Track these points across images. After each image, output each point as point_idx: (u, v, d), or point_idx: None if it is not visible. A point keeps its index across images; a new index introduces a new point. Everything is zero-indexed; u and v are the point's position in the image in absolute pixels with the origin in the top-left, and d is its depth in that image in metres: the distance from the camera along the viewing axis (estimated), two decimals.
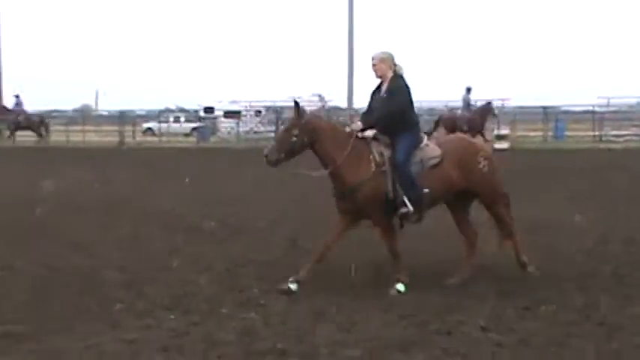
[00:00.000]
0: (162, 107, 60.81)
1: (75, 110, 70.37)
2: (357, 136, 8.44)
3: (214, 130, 46.77)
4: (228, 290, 7.96)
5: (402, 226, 8.48)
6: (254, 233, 11.37)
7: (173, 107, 60.26)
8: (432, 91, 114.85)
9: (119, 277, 8.50)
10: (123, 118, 46.07)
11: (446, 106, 42.26)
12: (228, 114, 47.40)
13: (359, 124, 8.46)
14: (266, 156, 8.19)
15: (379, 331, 6.53)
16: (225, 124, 46.46)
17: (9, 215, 12.65)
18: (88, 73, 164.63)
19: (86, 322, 6.80)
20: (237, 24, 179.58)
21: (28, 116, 37.66)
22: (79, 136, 44.98)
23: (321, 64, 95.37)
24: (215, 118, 48.28)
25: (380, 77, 8.57)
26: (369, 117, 8.55)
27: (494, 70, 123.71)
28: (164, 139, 44.61)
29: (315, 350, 6.02)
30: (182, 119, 53.07)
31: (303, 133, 8.35)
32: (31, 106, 40.07)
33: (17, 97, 38.61)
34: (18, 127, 37.31)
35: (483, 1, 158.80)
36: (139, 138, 46.25)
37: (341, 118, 45.89)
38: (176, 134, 47.76)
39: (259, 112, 48.00)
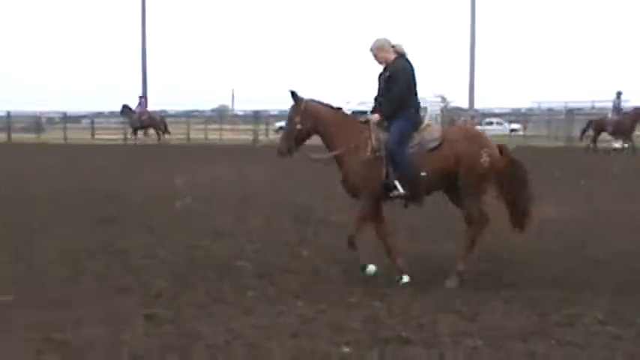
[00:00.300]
0: None
1: (213, 110, 72.17)
2: (360, 121, 8.41)
3: None
4: (355, 280, 8.01)
5: (406, 205, 8.39)
6: None
7: None
8: (578, 91, 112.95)
9: (252, 266, 8.68)
10: (257, 117, 47.02)
11: (593, 107, 41.63)
12: (357, 114, 47.63)
13: (376, 116, 8.29)
14: (278, 150, 8.34)
15: (500, 321, 6.49)
16: None
17: (153, 208, 13.11)
18: (224, 75, 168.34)
19: (222, 307, 6.98)
20: (358, 26, 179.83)
21: (151, 116, 38.78)
22: (216, 134, 46.41)
23: (443, 65, 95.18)
24: None
25: (385, 64, 8.41)
26: (377, 102, 8.42)
27: None
28: None
29: (438, 339, 6.02)
30: None
31: (305, 119, 8.37)
32: (175, 107, 41.36)
33: (140, 98, 40.14)
34: (141, 126, 38.53)
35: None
36: (272, 136, 46.86)
37: (462, 119, 45.71)
38: None
39: None
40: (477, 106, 48.96)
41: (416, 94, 8.39)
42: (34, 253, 9.10)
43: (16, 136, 45.35)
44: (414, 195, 8.24)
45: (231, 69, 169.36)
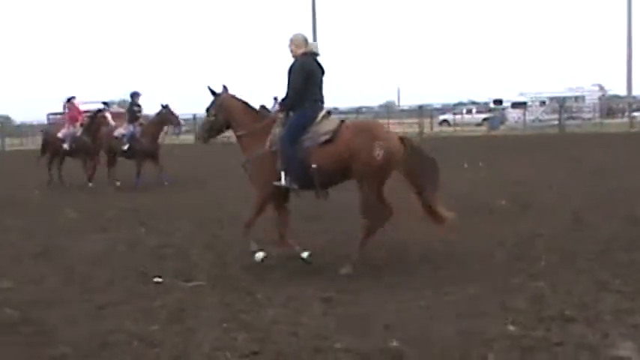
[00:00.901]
0: (455, 101, 62.21)
1: (380, 106, 72.59)
2: (271, 117, 8.34)
3: (503, 119, 47.02)
4: (519, 262, 7.90)
5: (317, 196, 8.15)
6: (541, 210, 11.24)
7: (465, 101, 61.67)
8: None
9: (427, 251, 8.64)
10: (422, 111, 47.00)
11: None
12: (516, 105, 47.16)
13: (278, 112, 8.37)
14: (196, 136, 8.61)
15: None
16: (513, 114, 46.61)
17: None
18: (390, 74, 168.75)
19: (393, 290, 7.03)
20: (524, 19, 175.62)
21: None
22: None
23: (601, 54, 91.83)
24: (504, 109, 48.63)
25: (294, 59, 8.25)
26: None
27: None
28: (458, 128, 45.05)
29: (600, 317, 5.85)
30: (474, 111, 54.48)
31: (218, 112, 8.65)
32: (345, 104, 42.06)
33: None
34: None
35: None
36: (436, 129, 46.87)
37: (620, 106, 43.95)
38: (468, 124, 48.53)
39: (543, 102, 47.26)
40: (635, 92, 47.17)
41: (316, 90, 8.19)
42: (224, 245, 9.46)
43: None
44: (307, 188, 8.07)
45: (396, 67, 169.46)
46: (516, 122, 45.10)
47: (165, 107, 18.17)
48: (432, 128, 45.67)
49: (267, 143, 8.19)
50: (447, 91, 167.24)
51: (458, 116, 52.55)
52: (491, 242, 9.01)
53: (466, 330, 5.70)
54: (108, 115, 18.93)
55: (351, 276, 7.60)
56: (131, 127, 17.80)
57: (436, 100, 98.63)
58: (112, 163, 18.32)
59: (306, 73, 8.13)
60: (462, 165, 18.91)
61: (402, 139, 8.15)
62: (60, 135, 18.92)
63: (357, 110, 54.04)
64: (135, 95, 18.74)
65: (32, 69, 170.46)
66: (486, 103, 54.73)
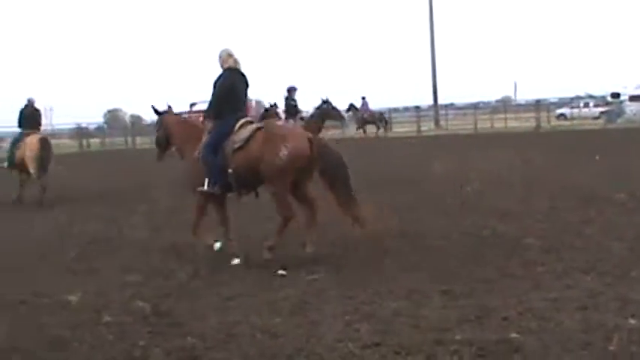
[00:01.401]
0: (573, 95, 61.02)
1: (497, 101, 71.94)
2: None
3: (621, 113, 45.60)
4: (638, 255, 7.59)
5: (256, 195, 8.81)
6: None
7: (583, 94, 60.61)
8: None
9: (539, 243, 8.45)
10: (538, 105, 46.35)
11: None
12: (634, 98, 45.62)
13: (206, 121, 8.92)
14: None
15: None
16: (631, 107, 45.03)
17: (444, 192, 13.12)
18: (507, 67, 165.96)
19: (512, 282, 6.86)
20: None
21: (372, 113, 42.46)
22: (501, 122, 46.60)
23: None
24: (621, 102, 47.26)
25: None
26: None
27: None
28: (575, 122, 44.10)
29: None
30: (591, 104, 53.47)
31: (160, 128, 9.53)
32: (463, 99, 42.27)
33: (363, 98, 42.93)
34: (364, 122, 41.80)
35: None
36: (553, 122, 45.94)
37: None
38: (586, 118, 47.59)
39: None
40: None
41: (237, 101, 8.68)
42: (344, 237, 9.39)
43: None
44: (228, 190, 8.62)
45: (513, 62, 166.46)
46: (634, 115, 43.56)
47: (325, 102, 18.11)
48: (549, 122, 44.77)
49: (197, 151, 8.72)
50: (564, 85, 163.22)
51: (575, 110, 51.45)
52: (609, 235, 8.69)
53: (586, 322, 5.53)
54: (279, 111, 18.88)
55: (470, 270, 7.41)
56: (292, 122, 17.29)
57: (553, 94, 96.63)
58: None
59: (227, 86, 8.66)
60: (594, 157, 18.51)
61: (310, 140, 8.41)
62: None
63: (475, 106, 53.71)
64: (292, 90, 18.42)
65: (162, 71, 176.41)
66: (604, 97, 53.31)
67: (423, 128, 46.14)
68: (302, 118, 17.83)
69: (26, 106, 16.13)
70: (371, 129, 42.46)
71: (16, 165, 15.42)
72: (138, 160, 31.74)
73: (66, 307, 6.69)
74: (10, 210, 14.54)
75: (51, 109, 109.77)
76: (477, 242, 8.79)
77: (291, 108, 17.96)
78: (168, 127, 9.43)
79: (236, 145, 8.39)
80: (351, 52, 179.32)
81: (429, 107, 53.84)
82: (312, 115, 18.20)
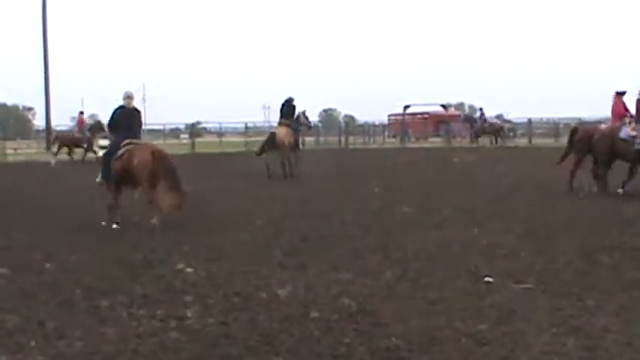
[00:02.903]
0: None
1: None
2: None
3: None
4: None
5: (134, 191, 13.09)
6: None
7: None
8: None
9: None
10: None
11: None
12: None
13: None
14: None
15: None
16: None
17: None
18: None
19: None
20: None
21: (491, 124, 43.60)
22: None
23: None
24: None
25: None
26: None
27: None
28: None
29: None
30: None
31: None
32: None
33: (480, 109, 45.16)
34: (482, 132, 43.42)
35: None
36: None
37: None
38: None
39: None
40: None
41: (124, 126, 12.49)
42: (555, 249, 9.15)
43: (536, 141, 46.37)
44: (116, 185, 12.39)
45: None
46: None
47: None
48: None
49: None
50: None
51: None
52: None
53: None
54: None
55: None
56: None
57: None
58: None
59: (116, 117, 12.72)
60: None
61: (152, 152, 12.09)
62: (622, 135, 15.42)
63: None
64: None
65: (377, 72, 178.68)
66: None
67: None
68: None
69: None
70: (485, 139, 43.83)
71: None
72: (348, 159, 32.46)
73: (276, 301, 6.96)
74: (228, 206, 15.34)
75: (269, 107, 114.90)
76: None
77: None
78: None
79: (118, 155, 12.21)
80: None
81: None
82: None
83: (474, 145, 42.61)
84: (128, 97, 12.72)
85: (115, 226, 11.89)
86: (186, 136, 59.19)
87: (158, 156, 11.97)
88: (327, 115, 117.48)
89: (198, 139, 54.04)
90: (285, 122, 21.84)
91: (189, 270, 8.32)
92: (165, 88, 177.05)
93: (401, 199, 14.82)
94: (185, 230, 11.32)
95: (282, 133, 21.62)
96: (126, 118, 12.58)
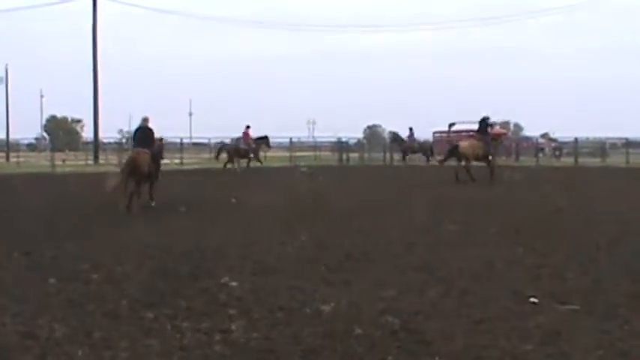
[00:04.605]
0: None
1: None
2: None
3: None
4: None
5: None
6: None
7: None
8: None
9: None
10: None
11: None
12: None
13: None
14: None
15: None
16: None
17: None
18: None
19: None
20: None
21: (421, 143, 47.16)
22: None
23: None
24: None
25: None
26: None
27: None
28: None
29: None
30: None
31: None
32: None
33: (410, 129, 47.23)
34: (411, 151, 46.43)
35: None
36: None
37: None
38: None
39: None
40: None
41: (137, 139, 18.34)
42: (601, 270, 9.04)
43: (582, 160, 45.95)
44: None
45: None
46: None
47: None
48: None
49: None
50: None
51: None
52: None
53: None
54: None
55: None
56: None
57: None
58: None
59: (135, 134, 18.66)
60: None
61: (136, 155, 17.39)
62: None
63: None
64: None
65: (423, 91, 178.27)
66: None
67: None
68: None
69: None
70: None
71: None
72: (393, 175, 32.40)
73: (319, 317, 6.97)
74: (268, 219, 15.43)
75: (314, 122, 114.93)
76: None
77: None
78: None
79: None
80: None
81: None
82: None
83: (402, 163, 44.68)
84: (144, 119, 18.23)
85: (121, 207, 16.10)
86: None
87: (135, 157, 17.25)
88: (372, 131, 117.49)
89: None
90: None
91: (234, 284, 8.38)
92: (213, 101, 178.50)
93: (446, 217, 14.74)
94: (231, 243, 11.40)
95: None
96: (141, 134, 18.07)
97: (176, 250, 10.77)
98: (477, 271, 9.09)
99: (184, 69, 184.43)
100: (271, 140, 41.86)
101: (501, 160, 47.07)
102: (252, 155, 38.56)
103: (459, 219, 14.34)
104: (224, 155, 38.77)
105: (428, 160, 45.39)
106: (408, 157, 46.60)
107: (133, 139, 18.85)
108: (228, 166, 37.58)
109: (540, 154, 51.29)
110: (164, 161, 21.52)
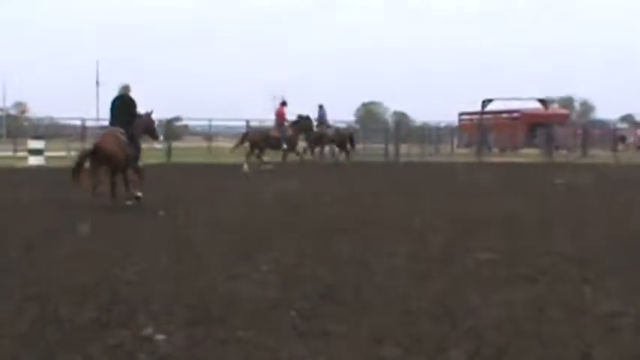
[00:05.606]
0: None
1: None
2: None
3: None
4: None
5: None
6: None
7: None
8: None
9: None
10: None
11: None
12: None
13: None
14: None
15: None
16: None
17: None
18: None
19: None
20: None
21: (338, 130, 47.25)
22: None
23: None
24: None
25: None
26: None
27: None
28: None
29: None
30: None
31: None
32: None
33: (320, 107, 44.63)
34: (322, 141, 44.99)
35: None
36: None
37: None
38: None
39: None
40: None
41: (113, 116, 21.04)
42: None
43: None
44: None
45: None
46: None
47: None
48: None
49: None
50: None
51: None
52: None
53: None
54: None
55: None
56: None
57: None
58: None
59: (111, 105, 21.12)
60: None
61: (103, 142, 20.08)
62: None
63: None
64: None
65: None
66: None
67: None
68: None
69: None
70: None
71: None
72: (399, 177, 32.48)
73: None
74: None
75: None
76: None
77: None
78: None
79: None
80: None
81: None
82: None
83: (308, 157, 42.74)
84: (124, 87, 20.70)
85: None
86: (161, 138, 60.14)
87: (103, 146, 19.91)
88: (367, 111, 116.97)
89: (176, 144, 54.52)
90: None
91: (159, 337, 8.26)
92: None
93: (476, 240, 14.71)
94: (157, 276, 11.27)
95: None
96: (120, 105, 20.78)
97: (76, 286, 10.61)
98: (520, 320, 9.01)
99: None
100: (218, 124, 41.96)
101: (560, 155, 47.33)
102: (285, 146, 38.45)
103: (493, 243, 14.33)
104: (246, 145, 38.04)
105: (347, 155, 44.85)
106: (318, 149, 44.96)
107: (110, 112, 21.16)
108: (246, 166, 36.60)
109: (620, 146, 51.89)
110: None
